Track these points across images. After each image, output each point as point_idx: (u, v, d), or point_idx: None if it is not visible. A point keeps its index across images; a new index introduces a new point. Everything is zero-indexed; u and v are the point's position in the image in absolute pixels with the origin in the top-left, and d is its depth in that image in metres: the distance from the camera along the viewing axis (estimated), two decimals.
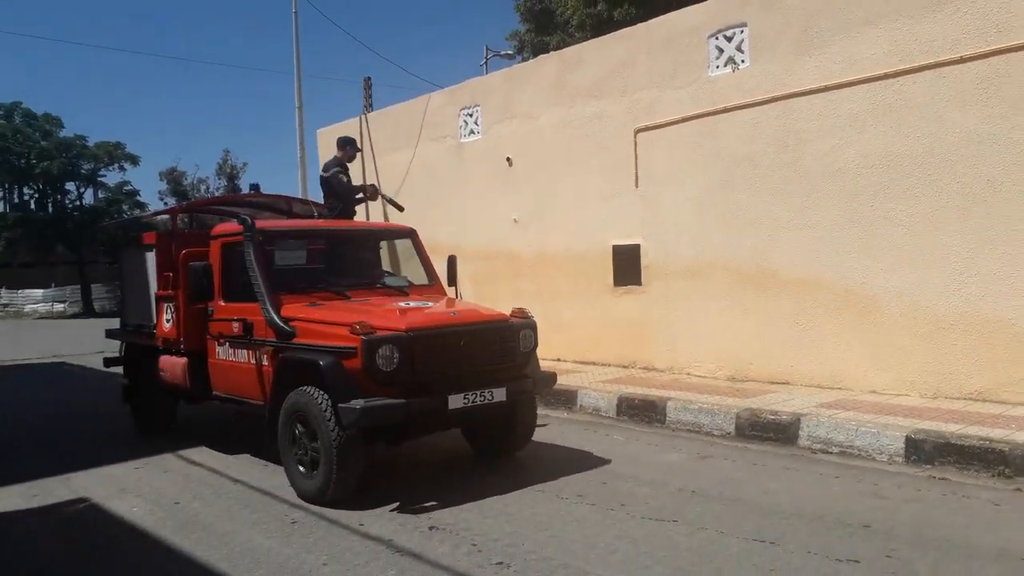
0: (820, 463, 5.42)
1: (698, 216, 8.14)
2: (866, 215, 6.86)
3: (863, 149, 6.84)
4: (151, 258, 6.97)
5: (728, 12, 7.78)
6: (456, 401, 4.82)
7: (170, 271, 6.49)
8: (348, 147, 7.93)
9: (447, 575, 3.65)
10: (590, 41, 9.87)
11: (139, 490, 5.35)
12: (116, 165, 40.14)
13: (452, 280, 6.61)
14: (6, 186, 39.02)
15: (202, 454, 6.39)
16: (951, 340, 6.40)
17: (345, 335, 4.73)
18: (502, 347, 5.20)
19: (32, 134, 36.36)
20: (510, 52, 21.85)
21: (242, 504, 4.93)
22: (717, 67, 7.89)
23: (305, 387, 4.84)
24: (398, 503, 4.71)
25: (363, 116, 12.82)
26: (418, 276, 6.54)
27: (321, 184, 7.94)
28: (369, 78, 15.02)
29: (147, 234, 7.35)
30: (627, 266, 8.91)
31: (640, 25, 8.76)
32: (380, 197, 8.21)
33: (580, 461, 5.61)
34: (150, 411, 7.19)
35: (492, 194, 10.51)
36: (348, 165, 7.90)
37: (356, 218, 8.27)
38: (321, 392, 4.71)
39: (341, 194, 7.63)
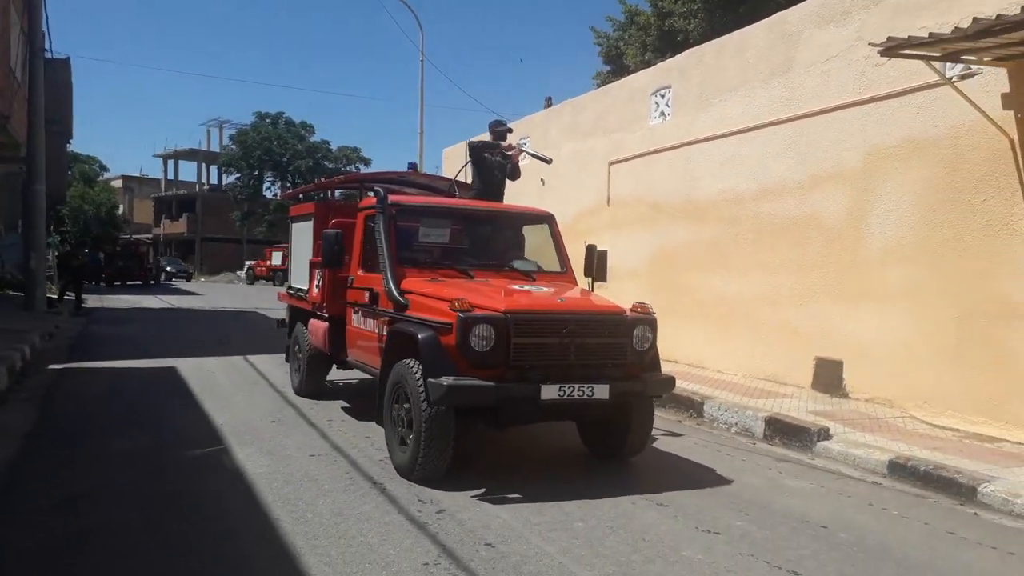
0: None
1: (643, 230, 10.57)
2: (727, 234, 8.97)
3: (723, 186, 8.96)
4: (310, 227, 7.35)
5: (662, 77, 10.16)
6: (550, 392, 4.54)
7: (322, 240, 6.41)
8: (491, 125, 7.01)
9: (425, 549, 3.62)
10: (588, 93, 12.53)
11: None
12: (353, 166, 48.50)
13: (589, 271, 6.44)
14: (272, 179, 48.83)
15: (313, 404, 7.04)
16: (763, 336, 8.39)
17: (445, 311, 4.64)
18: (611, 342, 4.86)
19: (291, 139, 45.36)
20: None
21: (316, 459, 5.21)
22: (654, 118, 10.28)
23: (407, 360, 4.80)
24: (484, 490, 4.55)
25: (468, 143, 16.35)
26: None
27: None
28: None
29: (309, 204, 7.84)
30: (599, 265, 11.47)
31: (615, 83, 11.31)
32: (525, 155, 7.07)
33: None
34: (303, 371, 7.38)
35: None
36: (503, 144, 6.87)
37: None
38: (419, 366, 4.65)
39: (483, 174, 6.80)
